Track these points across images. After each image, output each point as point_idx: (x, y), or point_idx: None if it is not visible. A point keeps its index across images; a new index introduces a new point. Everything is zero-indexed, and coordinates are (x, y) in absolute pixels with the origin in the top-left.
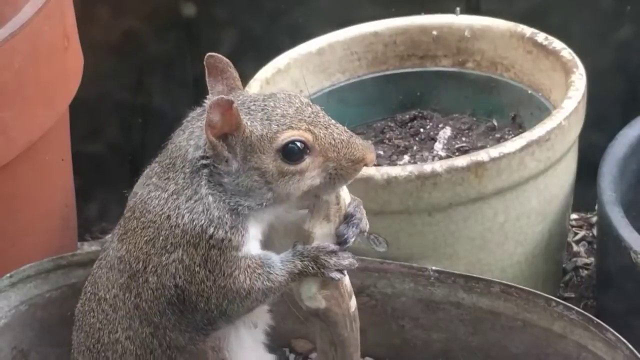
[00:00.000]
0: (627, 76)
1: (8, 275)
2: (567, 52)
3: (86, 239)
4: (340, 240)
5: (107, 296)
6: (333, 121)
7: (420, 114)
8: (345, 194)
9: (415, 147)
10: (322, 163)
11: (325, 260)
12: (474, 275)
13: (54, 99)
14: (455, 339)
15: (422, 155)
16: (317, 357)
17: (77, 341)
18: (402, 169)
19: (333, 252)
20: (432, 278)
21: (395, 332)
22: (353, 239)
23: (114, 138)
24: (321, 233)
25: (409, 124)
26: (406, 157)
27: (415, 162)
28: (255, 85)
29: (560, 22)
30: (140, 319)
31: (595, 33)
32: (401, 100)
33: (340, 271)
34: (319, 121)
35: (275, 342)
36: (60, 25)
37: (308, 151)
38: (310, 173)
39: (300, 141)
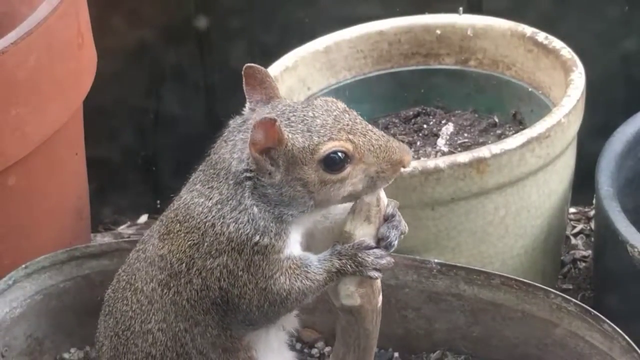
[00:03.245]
0: (628, 72)
1: (23, 266)
2: (566, 51)
3: (99, 230)
4: (384, 243)
5: (145, 288)
6: (370, 126)
7: (424, 111)
8: (383, 195)
9: (418, 143)
10: (362, 169)
11: (363, 259)
12: (475, 267)
13: (68, 95)
14: (457, 329)
15: (425, 150)
16: (336, 348)
17: (105, 326)
18: None
19: (370, 249)
20: (435, 270)
21: (399, 322)
22: (396, 241)
23: (127, 141)
24: (362, 234)
25: (413, 120)
26: None
27: (418, 158)
28: None
29: (557, 17)
30: (176, 314)
31: (597, 31)
32: (405, 97)
33: (378, 270)
34: (357, 128)
35: (290, 334)
36: (74, 24)
37: (349, 160)
38: (351, 180)
39: (341, 151)
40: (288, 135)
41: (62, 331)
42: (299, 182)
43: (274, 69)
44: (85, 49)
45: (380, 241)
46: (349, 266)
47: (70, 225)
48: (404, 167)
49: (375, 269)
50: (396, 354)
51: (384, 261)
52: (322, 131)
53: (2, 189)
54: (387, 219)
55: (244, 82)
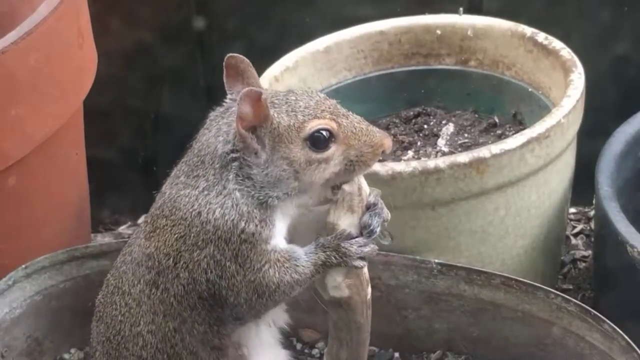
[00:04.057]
0: (626, 73)
1: (23, 266)
2: (566, 52)
3: (99, 230)
4: (367, 232)
5: (132, 291)
6: (350, 112)
7: (424, 111)
8: (365, 184)
9: (419, 143)
10: (345, 150)
11: (347, 249)
12: (476, 267)
13: (68, 95)
14: (457, 329)
15: (425, 150)
16: (329, 344)
17: (97, 331)
18: (407, 165)
19: (353, 238)
20: (435, 270)
21: (399, 322)
22: (378, 228)
23: (127, 142)
24: (346, 224)
25: (413, 121)
26: (410, 153)
27: (419, 158)
28: (264, 82)
29: (556, 18)
30: (164, 313)
31: (595, 32)
32: (405, 97)
33: (363, 259)
34: (339, 112)
35: (283, 332)
36: (75, 24)
37: (333, 139)
38: (335, 161)
39: (326, 129)
40: (274, 114)
41: (62, 331)
42: (285, 161)
43: (274, 69)
44: (86, 49)
45: (363, 229)
46: (333, 258)
47: (70, 225)
48: (384, 151)
49: (360, 258)
50: (396, 354)
51: (367, 249)
52: (306, 111)
53: (2, 189)
54: (369, 207)
55: (224, 74)
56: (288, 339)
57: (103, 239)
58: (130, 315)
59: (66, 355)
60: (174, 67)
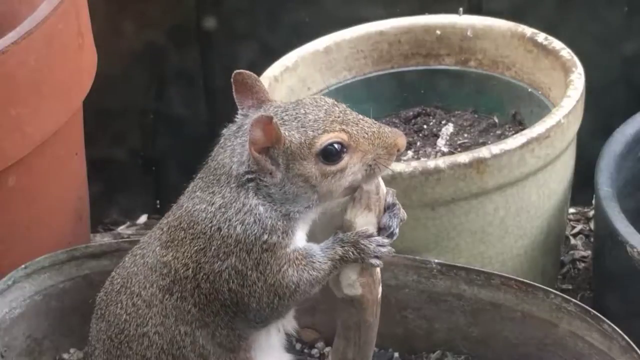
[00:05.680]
0: (628, 74)
1: (23, 266)
2: (566, 52)
3: (98, 230)
4: (387, 233)
5: (142, 293)
6: (360, 115)
7: (424, 111)
8: (382, 184)
9: (418, 143)
10: (360, 158)
11: (365, 246)
12: (475, 267)
13: (68, 95)
14: (457, 329)
15: (425, 150)
16: (336, 343)
17: (97, 329)
18: (407, 165)
19: (372, 236)
20: (435, 270)
21: (399, 322)
22: (397, 229)
23: (126, 142)
24: (362, 222)
25: (413, 121)
26: (410, 153)
27: (418, 158)
28: (264, 83)
29: (548, 13)
30: (177, 317)
31: (597, 33)
32: (405, 97)
33: (379, 258)
34: (349, 119)
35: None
36: (75, 24)
37: (345, 150)
38: (351, 169)
39: (337, 142)
40: (285, 133)
41: (62, 331)
42: (300, 178)
43: (274, 69)
44: (86, 49)
45: (383, 230)
46: (350, 253)
47: (69, 225)
48: (398, 150)
49: (376, 257)
50: (396, 354)
51: (385, 249)
52: (315, 125)
53: (2, 189)
54: (388, 207)
55: (233, 90)
56: (288, 338)
57: (102, 239)
58: (137, 315)
59: (66, 355)
60: (178, 67)
